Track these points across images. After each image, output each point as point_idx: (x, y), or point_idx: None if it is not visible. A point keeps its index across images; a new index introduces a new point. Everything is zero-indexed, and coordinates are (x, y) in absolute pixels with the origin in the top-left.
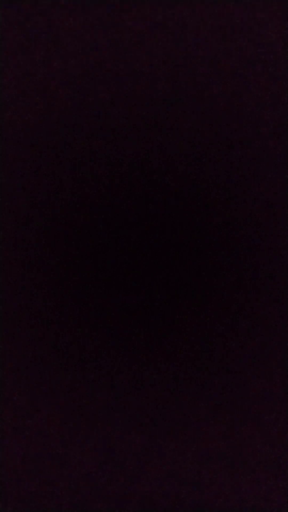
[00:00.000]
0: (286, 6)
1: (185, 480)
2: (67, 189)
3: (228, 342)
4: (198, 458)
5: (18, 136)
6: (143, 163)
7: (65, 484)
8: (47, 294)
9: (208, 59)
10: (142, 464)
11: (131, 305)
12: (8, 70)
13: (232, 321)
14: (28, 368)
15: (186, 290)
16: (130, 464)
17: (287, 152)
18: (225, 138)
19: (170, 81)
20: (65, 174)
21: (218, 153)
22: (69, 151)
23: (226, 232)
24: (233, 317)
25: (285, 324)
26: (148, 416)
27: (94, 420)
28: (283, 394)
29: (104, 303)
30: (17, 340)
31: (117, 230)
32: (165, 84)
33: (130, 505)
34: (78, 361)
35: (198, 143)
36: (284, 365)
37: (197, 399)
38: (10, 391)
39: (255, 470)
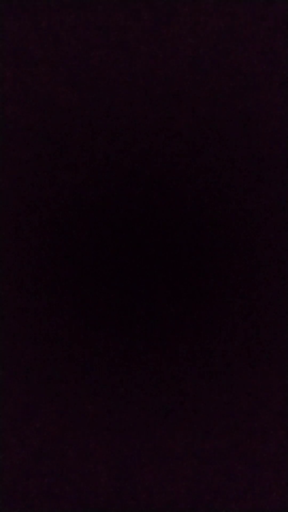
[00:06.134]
0: (286, 6)
1: (185, 480)
2: (66, 188)
3: (228, 341)
4: (198, 458)
5: (18, 136)
6: (143, 162)
7: (65, 484)
8: (47, 293)
9: (208, 60)
10: (142, 463)
11: (130, 305)
12: (8, 69)
13: (232, 320)
14: (28, 367)
15: (186, 289)
16: (130, 464)
17: (287, 152)
18: (225, 138)
19: (170, 80)
20: (64, 173)
21: (217, 154)
22: (68, 151)
23: (226, 232)
24: (233, 316)
25: (285, 323)
26: (148, 416)
27: (94, 420)
28: (283, 394)
29: (105, 302)
30: (17, 340)
31: (117, 230)
32: (165, 83)
33: (130, 505)
34: (78, 360)
35: (198, 144)
36: (284, 365)
37: (197, 399)
38: (10, 391)
39: (255, 470)
